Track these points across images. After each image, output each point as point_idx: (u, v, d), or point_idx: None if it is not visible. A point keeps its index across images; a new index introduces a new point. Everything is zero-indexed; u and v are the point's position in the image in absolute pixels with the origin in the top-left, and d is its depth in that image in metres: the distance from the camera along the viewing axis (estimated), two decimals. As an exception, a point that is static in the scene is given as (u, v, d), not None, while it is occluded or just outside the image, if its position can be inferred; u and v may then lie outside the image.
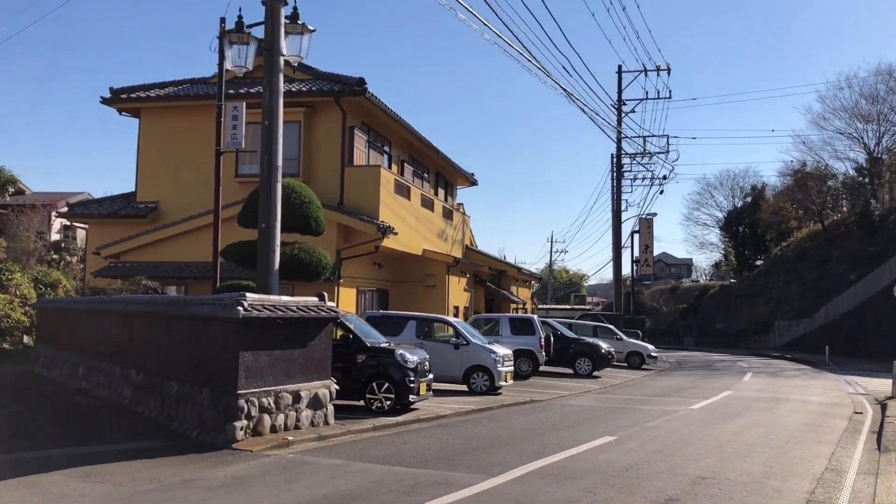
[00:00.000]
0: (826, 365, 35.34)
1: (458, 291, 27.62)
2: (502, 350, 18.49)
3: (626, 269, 45.33)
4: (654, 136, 39.07)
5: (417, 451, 9.98)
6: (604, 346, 25.63)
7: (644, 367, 30.97)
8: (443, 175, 31.99)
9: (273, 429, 10.43)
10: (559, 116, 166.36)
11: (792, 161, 73.52)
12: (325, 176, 21.78)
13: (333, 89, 21.27)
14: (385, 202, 21.71)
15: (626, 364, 30.97)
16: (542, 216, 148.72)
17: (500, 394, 18.35)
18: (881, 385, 23.15)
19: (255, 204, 11.92)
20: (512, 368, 18.86)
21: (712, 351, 54.67)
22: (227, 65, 13.57)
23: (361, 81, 21.07)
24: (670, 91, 39.76)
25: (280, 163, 11.87)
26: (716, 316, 68.16)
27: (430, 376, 14.47)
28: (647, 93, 39.25)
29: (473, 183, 35.20)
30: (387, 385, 13.45)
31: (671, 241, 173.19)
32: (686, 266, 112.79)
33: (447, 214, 29.27)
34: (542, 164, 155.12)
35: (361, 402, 13.54)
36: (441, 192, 31.87)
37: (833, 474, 9.22)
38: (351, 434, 11.19)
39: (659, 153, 38.82)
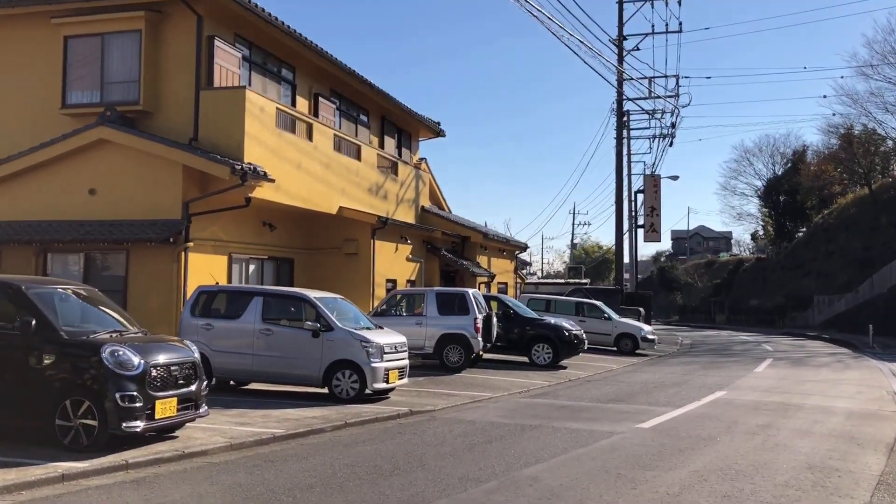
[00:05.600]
0: (869, 348, 29.05)
1: (394, 261, 22.03)
2: (383, 338, 12.88)
3: (662, 243, 38.99)
4: (663, 76, 32.78)
5: None
6: (571, 327, 19.83)
7: (638, 352, 25.12)
8: (392, 122, 26.25)
9: None
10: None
11: (834, 114, 65.98)
12: (178, 104, 16.24)
13: (180, -17, 15.68)
14: (256, 137, 16.13)
15: (616, 348, 25.19)
16: (557, 184, 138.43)
17: (386, 398, 12.90)
18: (940, 380, 17.12)
19: None
20: (404, 363, 13.28)
21: (743, 329, 48.75)
22: None
23: (216, -29, 15.48)
24: (680, 24, 33.21)
25: None
26: (750, 291, 62.03)
27: (193, 387, 8.88)
28: (653, 26, 32.96)
29: (439, 133, 29.39)
30: (88, 405, 7.97)
31: (707, 213, 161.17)
32: (725, 240, 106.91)
33: (388, 167, 23.61)
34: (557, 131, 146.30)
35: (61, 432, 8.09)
36: (391, 141, 26.19)
37: None
38: None
39: (669, 96, 32.55)
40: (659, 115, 34.43)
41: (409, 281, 23.03)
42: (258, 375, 13.04)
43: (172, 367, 8.58)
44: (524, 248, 33.55)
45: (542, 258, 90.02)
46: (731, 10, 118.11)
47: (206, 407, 9.20)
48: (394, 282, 21.80)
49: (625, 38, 32.66)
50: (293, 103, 19.57)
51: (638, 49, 32.70)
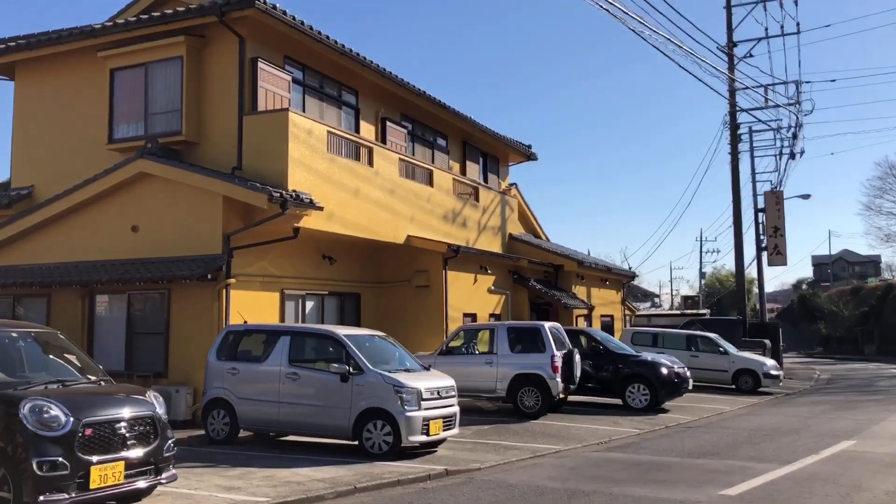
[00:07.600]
0: None
1: (473, 293, 20.23)
2: (423, 382, 11.07)
3: (803, 269, 35.19)
4: (781, 82, 29.59)
5: None
6: (672, 364, 17.29)
7: (760, 389, 22.07)
8: (475, 146, 24.62)
9: None
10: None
11: None
12: (221, 132, 15.25)
13: (216, 2, 14.69)
14: (303, 163, 14.86)
15: (734, 386, 22.23)
16: (672, 205, 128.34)
17: (432, 452, 11.09)
18: None
19: None
20: (451, 410, 11.40)
21: (895, 362, 43.57)
22: None
23: (253, -11, 14.40)
24: (798, 24, 30.00)
25: None
26: (903, 319, 55.76)
27: (148, 448, 7.31)
28: (766, 30, 29.94)
29: (529, 157, 27.51)
30: (3, 473, 6.58)
31: (850, 235, 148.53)
32: (873, 264, 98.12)
33: (469, 193, 21.95)
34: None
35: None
36: (474, 166, 24.54)
37: None
38: None
39: (789, 104, 29.31)
40: (785, 128, 31.19)
41: (492, 315, 21.14)
42: (285, 426, 11.53)
43: (118, 425, 7.11)
44: (632, 276, 30.91)
45: (672, 289, 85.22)
46: (849, 4, 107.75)
47: (172, 470, 7.67)
48: (473, 316, 19.98)
49: (735, 45, 29.78)
50: (356, 128, 18.31)
51: (751, 56, 29.72)
